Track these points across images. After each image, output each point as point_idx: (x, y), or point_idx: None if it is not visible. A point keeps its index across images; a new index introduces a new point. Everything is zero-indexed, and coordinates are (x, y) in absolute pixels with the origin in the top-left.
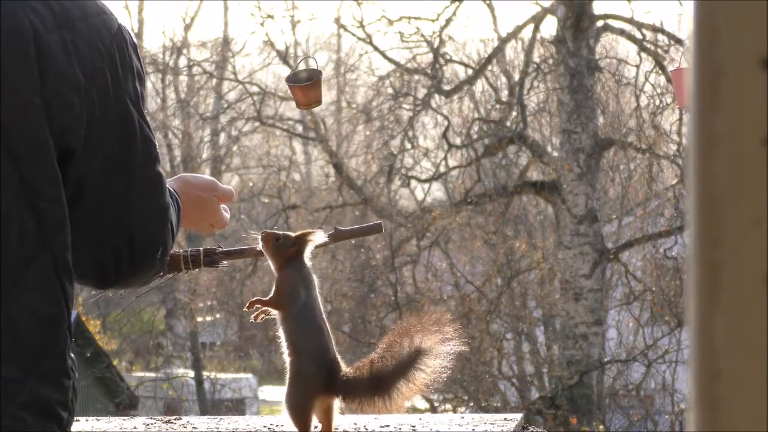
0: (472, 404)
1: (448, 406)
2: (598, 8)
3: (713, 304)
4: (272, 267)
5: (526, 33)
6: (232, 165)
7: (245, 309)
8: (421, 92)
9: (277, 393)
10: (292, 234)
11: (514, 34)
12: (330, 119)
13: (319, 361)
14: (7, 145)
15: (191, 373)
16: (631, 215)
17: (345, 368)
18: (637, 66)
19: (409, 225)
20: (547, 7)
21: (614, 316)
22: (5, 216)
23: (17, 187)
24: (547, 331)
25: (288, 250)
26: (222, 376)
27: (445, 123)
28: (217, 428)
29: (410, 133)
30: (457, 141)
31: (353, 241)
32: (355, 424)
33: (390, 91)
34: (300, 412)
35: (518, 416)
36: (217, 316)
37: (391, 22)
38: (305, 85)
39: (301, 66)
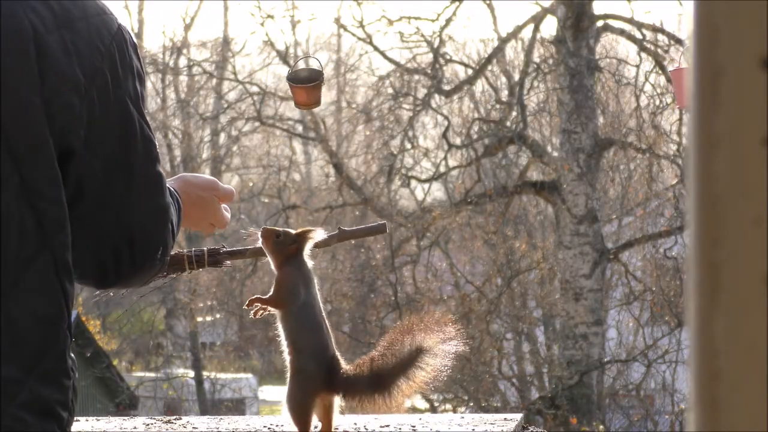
0: (472, 404)
1: (448, 406)
2: (598, 8)
3: (713, 304)
4: (272, 264)
5: (526, 33)
6: (232, 165)
7: (245, 307)
8: (421, 92)
9: (277, 393)
10: (292, 231)
11: (514, 34)
12: (330, 119)
13: (319, 358)
14: (7, 145)
15: (191, 373)
16: (631, 215)
17: (345, 366)
18: (637, 66)
19: (409, 225)
20: (547, 7)
21: (614, 316)
22: (5, 216)
23: (17, 187)
24: (547, 331)
25: (288, 248)
26: (222, 376)
27: (445, 123)
28: (217, 428)
29: (410, 133)
30: (457, 141)
31: (353, 241)
32: (355, 424)
33: (390, 91)
34: (300, 410)
35: (518, 416)
36: (217, 316)
37: (391, 22)
38: (307, 87)
39: (301, 64)
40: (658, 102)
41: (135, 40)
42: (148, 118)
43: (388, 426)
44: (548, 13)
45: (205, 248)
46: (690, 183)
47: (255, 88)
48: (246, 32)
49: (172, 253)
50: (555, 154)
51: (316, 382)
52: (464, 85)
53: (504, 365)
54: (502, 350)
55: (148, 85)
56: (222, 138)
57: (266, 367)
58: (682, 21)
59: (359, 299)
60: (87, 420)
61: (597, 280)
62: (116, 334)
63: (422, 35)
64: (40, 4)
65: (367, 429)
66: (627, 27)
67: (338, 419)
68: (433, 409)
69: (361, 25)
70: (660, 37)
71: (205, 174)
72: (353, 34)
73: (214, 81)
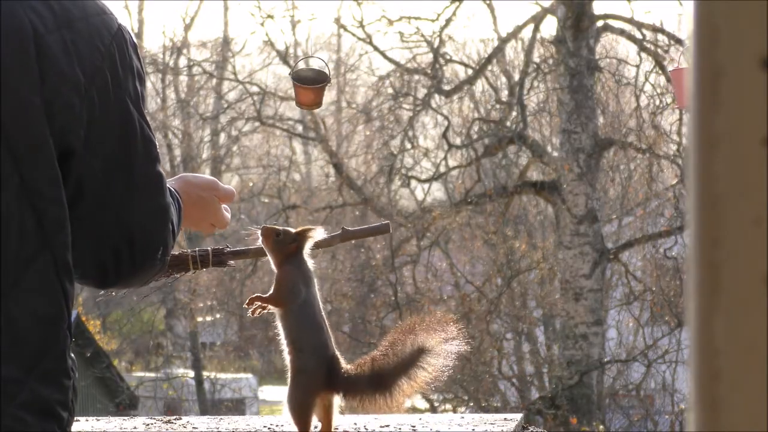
0: (472, 404)
1: (448, 406)
2: (598, 8)
3: (713, 304)
4: (272, 263)
5: (526, 33)
6: (232, 165)
7: (245, 306)
8: (421, 92)
9: (277, 393)
10: (292, 230)
11: (514, 34)
12: (330, 119)
13: (319, 357)
14: (7, 145)
15: (191, 373)
16: (631, 215)
17: (345, 365)
18: (637, 66)
19: (409, 225)
20: (547, 7)
21: (614, 316)
22: (5, 216)
23: (17, 187)
24: (547, 331)
25: (288, 246)
26: (222, 376)
27: (445, 123)
28: (217, 428)
29: (410, 133)
30: (457, 141)
31: (353, 241)
32: (355, 424)
33: (390, 91)
34: (301, 409)
35: (518, 416)
36: (217, 316)
37: (391, 22)
38: (314, 87)
39: (303, 64)
40: (658, 102)
41: (135, 40)
42: (148, 118)
43: (388, 426)
44: (548, 13)
45: (209, 248)
46: (690, 183)
47: (255, 88)
48: (246, 32)
49: (177, 253)
50: (555, 154)
51: (316, 381)
52: (464, 85)
53: (504, 365)
54: (502, 350)
55: (148, 85)
56: (222, 138)
57: (266, 367)
58: (682, 21)
59: (359, 299)
60: (87, 420)
61: (597, 280)
62: (116, 334)
63: (422, 35)
64: (40, 4)
65: (367, 429)
66: (627, 27)
67: (338, 419)
68: (433, 409)
69: (361, 25)
70: (660, 37)
71: (205, 174)
72: (353, 34)
73: (214, 81)
